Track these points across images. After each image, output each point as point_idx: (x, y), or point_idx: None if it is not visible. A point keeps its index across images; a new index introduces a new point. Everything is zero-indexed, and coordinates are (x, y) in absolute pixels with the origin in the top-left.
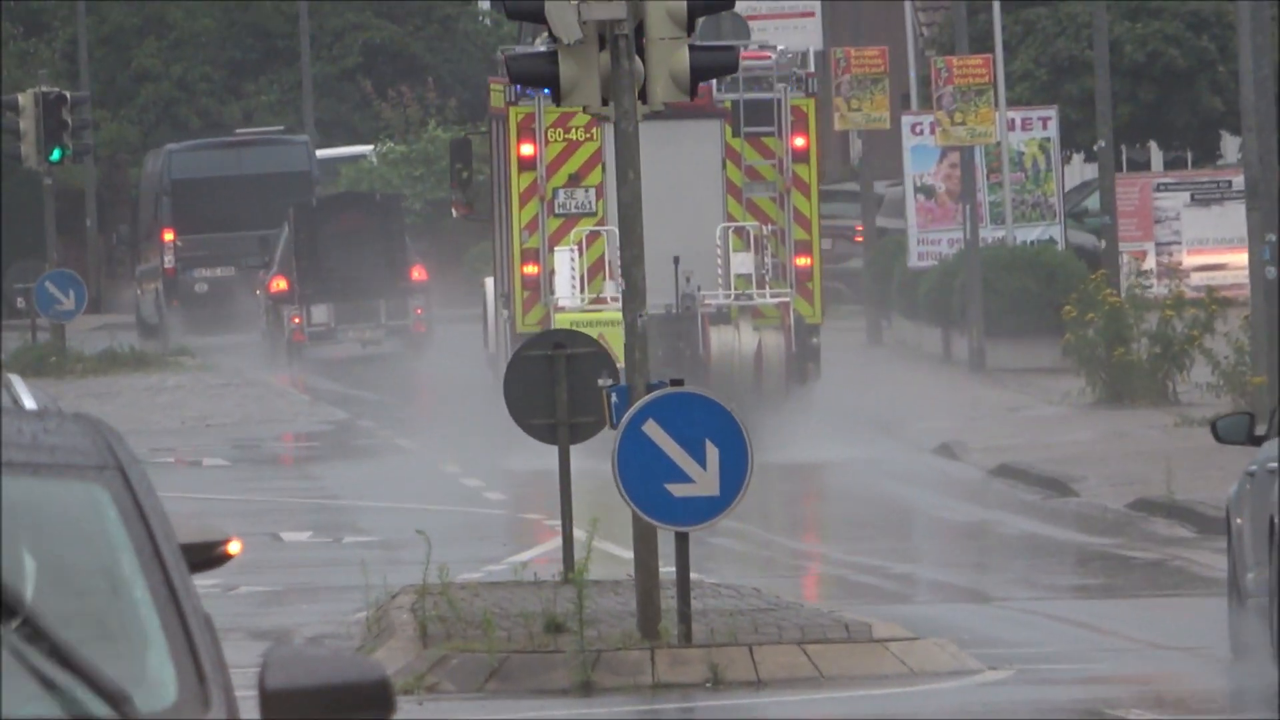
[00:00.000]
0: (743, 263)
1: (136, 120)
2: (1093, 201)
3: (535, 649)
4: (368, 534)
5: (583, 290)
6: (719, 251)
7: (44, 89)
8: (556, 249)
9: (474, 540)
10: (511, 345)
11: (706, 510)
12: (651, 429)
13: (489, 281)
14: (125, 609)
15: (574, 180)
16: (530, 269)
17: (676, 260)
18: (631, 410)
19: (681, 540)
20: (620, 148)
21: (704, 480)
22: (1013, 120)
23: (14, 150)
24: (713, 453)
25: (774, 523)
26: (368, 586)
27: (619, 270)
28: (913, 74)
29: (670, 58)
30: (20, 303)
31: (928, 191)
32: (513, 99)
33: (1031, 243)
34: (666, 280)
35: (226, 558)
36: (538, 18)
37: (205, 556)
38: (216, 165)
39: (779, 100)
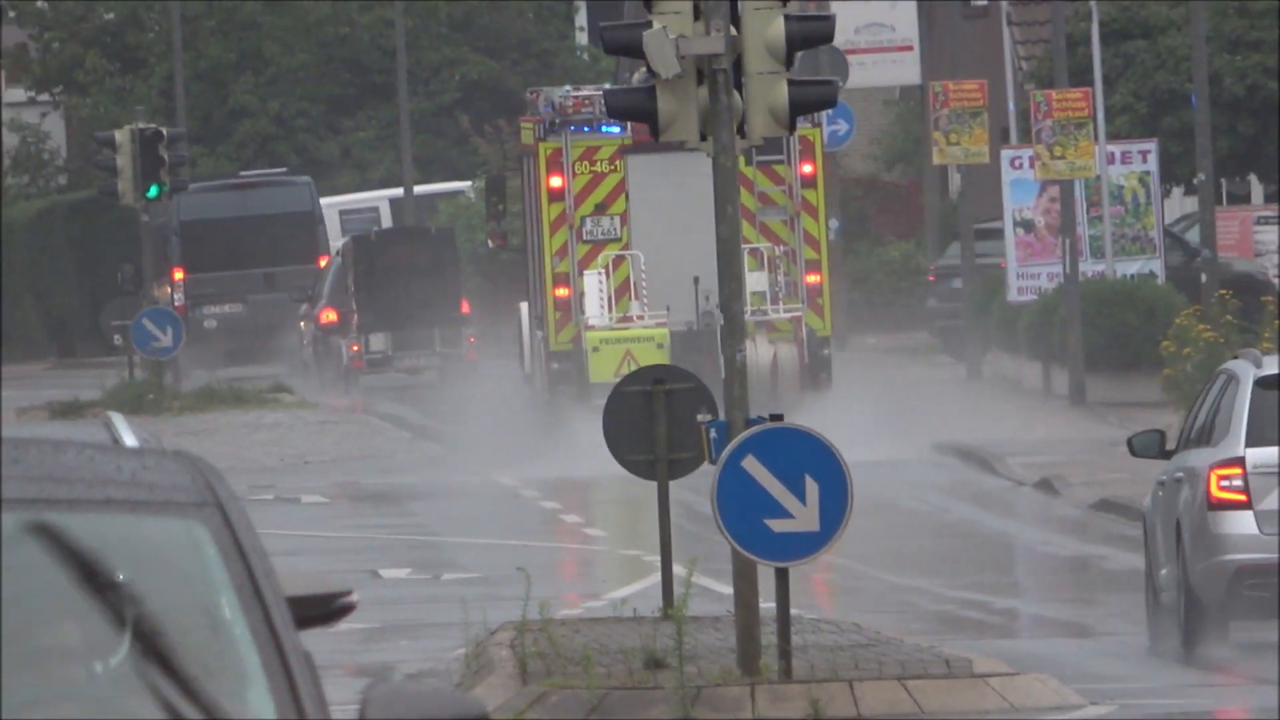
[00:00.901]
0: (757, 281)
1: (233, 157)
2: (1192, 234)
3: (635, 685)
4: (467, 570)
5: (611, 310)
6: None
7: (141, 125)
8: (586, 272)
9: (573, 576)
10: (546, 363)
11: (806, 545)
12: (751, 464)
13: (523, 306)
14: (225, 647)
15: (600, 209)
16: (561, 291)
17: (696, 280)
18: (731, 445)
19: (781, 576)
20: (719, 183)
21: (804, 515)
22: (1112, 154)
23: (110, 187)
24: (812, 488)
25: (874, 558)
26: (467, 623)
27: (644, 290)
28: (1012, 107)
29: (769, 92)
30: (117, 340)
31: (1027, 226)
32: (542, 135)
33: (1131, 276)
34: (687, 298)
35: (346, 611)
36: (636, 52)
37: (324, 610)
38: (223, 207)
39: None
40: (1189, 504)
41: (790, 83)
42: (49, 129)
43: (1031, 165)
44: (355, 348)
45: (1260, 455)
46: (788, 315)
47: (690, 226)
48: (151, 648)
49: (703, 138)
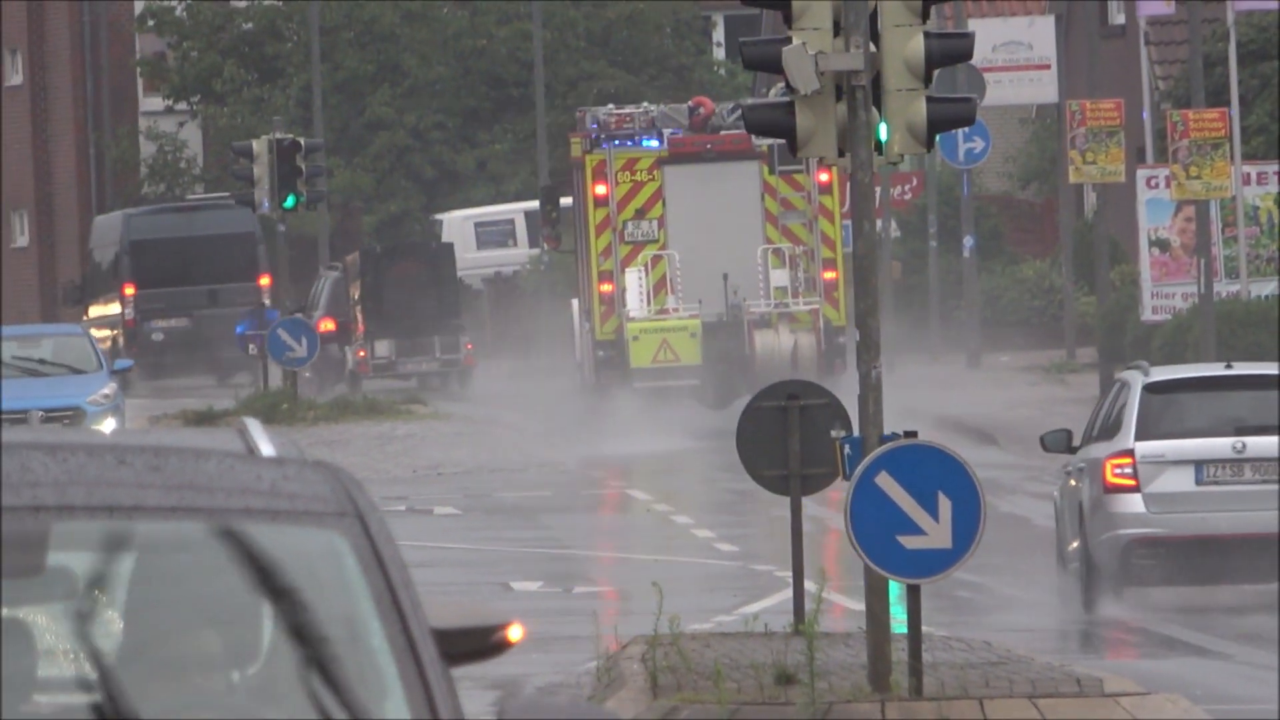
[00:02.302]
0: (780, 277)
1: (370, 168)
2: None
3: (766, 700)
4: (598, 584)
5: (649, 303)
6: (760, 268)
7: (278, 136)
8: (627, 270)
9: (704, 591)
10: (593, 351)
11: (939, 563)
12: (884, 481)
13: (574, 302)
14: (363, 657)
15: (639, 214)
16: (606, 287)
17: (725, 276)
18: (865, 462)
19: (913, 592)
20: (856, 199)
21: (936, 532)
22: (1248, 174)
23: (247, 197)
24: (945, 505)
25: (1003, 573)
26: (598, 636)
27: (679, 286)
28: (1148, 127)
29: (907, 109)
30: (252, 349)
31: (1162, 245)
32: (588, 148)
33: (1266, 297)
34: (717, 293)
35: (507, 645)
36: (774, 68)
37: (482, 644)
38: (170, 228)
39: None
40: (1090, 488)
41: (929, 100)
42: (186, 138)
43: (1167, 185)
44: (362, 354)
45: (1147, 448)
46: (807, 308)
47: (720, 229)
48: (291, 658)
49: (840, 154)
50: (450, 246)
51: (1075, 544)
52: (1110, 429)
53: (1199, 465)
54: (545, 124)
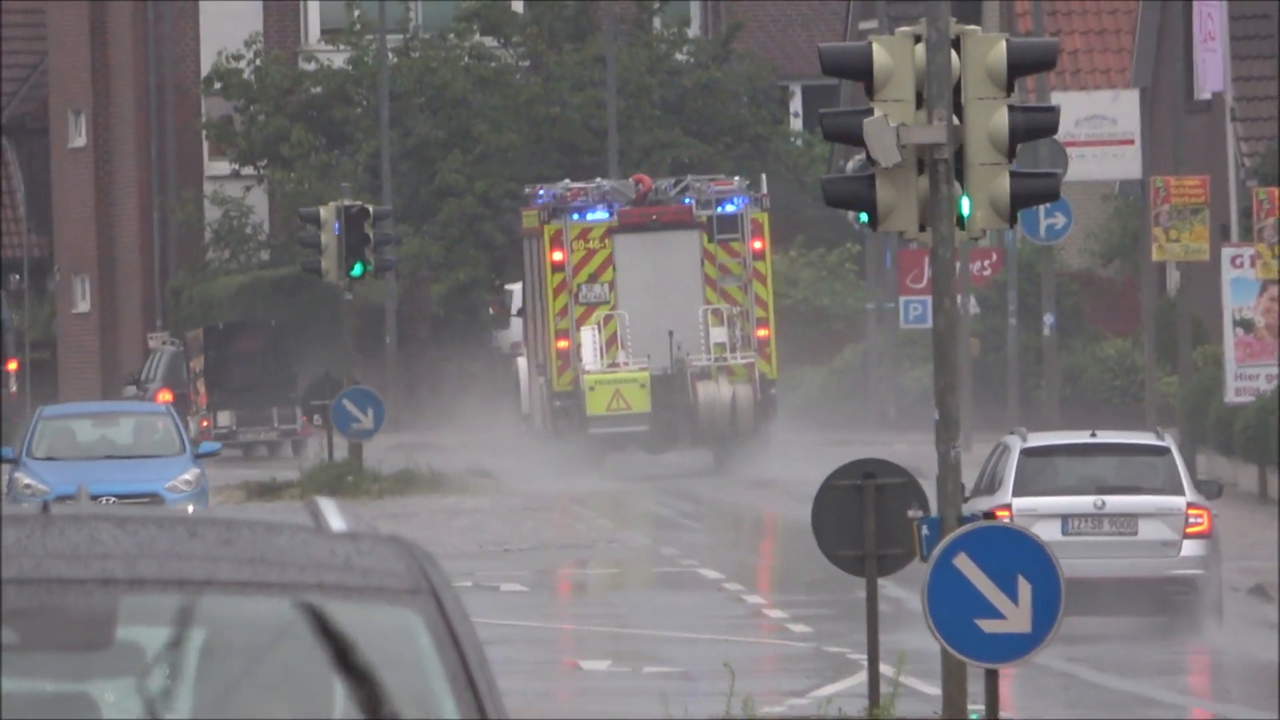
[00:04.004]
0: (719, 334)
1: (439, 236)
2: None
3: None
4: (668, 664)
5: (603, 358)
6: (701, 326)
7: (346, 202)
8: (582, 328)
9: (777, 673)
10: (549, 402)
11: (1017, 647)
12: (963, 563)
13: (520, 360)
14: None
15: (592, 278)
16: (562, 344)
17: (671, 334)
18: (943, 543)
19: (991, 677)
20: (937, 275)
21: (1015, 616)
22: None
23: (314, 264)
24: (1025, 588)
25: (1078, 653)
26: (668, 718)
27: (628, 342)
28: (1234, 205)
29: (990, 184)
30: (317, 420)
31: (1246, 325)
32: (545, 219)
33: None
34: (663, 348)
35: None
36: (855, 140)
37: None
38: None
39: (742, 215)
40: None
41: (1012, 175)
42: (252, 203)
43: (1252, 264)
44: (205, 423)
45: (1023, 503)
46: (743, 362)
47: (664, 291)
48: None
49: (921, 228)
50: (287, 327)
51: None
52: (991, 485)
53: (1065, 519)
54: None
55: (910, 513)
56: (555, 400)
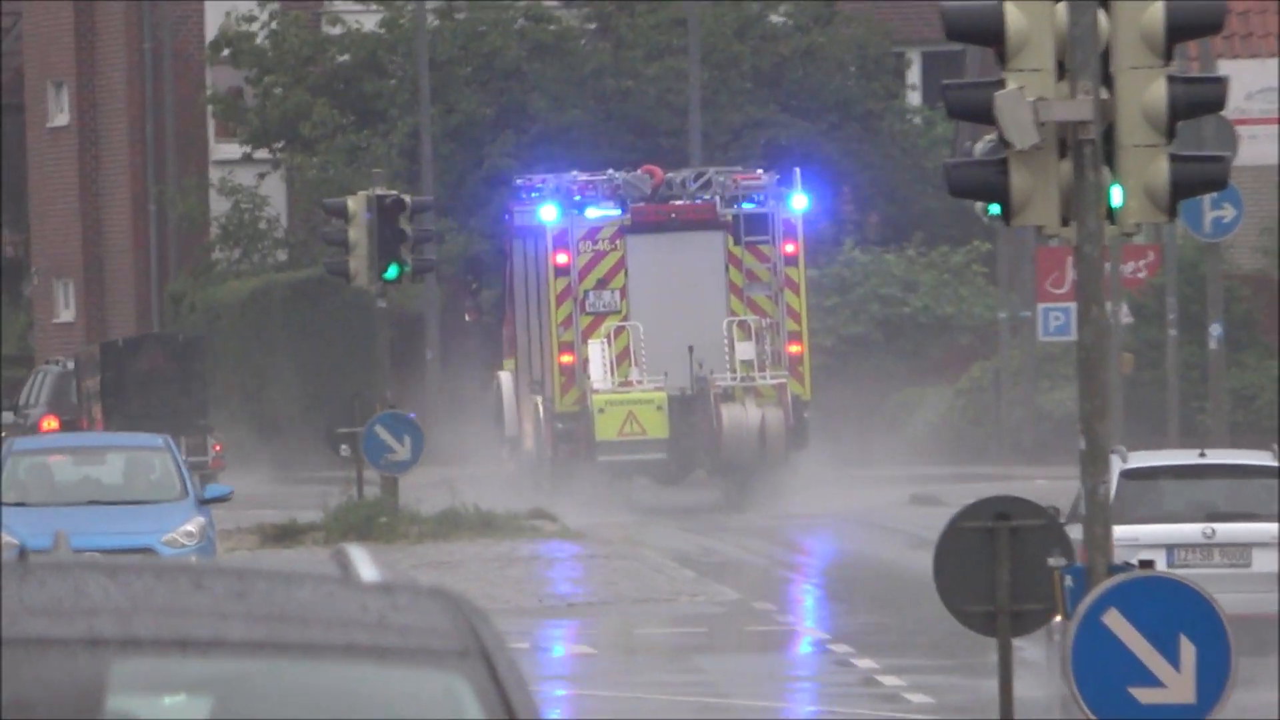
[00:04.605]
0: (745, 350)
1: (489, 232)
2: None
3: None
4: None
5: (613, 375)
6: (725, 341)
7: (378, 192)
8: (590, 340)
9: None
10: (550, 424)
11: None
12: (1114, 620)
13: (503, 375)
14: None
15: (601, 284)
16: (566, 358)
17: (690, 349)
18: (1090, 597)
19: None
20: (1082, 277)
21: (1176, 684)
22: None
23: (340, 266)
24: (1188, 650)
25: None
26: None
27: (642, 358)
28: None
29: (1146, 169)
30: (344, 450)
31: None
32: (548, 215)
33: None
34: (683, 365)
35: None
36: (984, 117)
37: None
38: None
39: (772, 214)
40: None
41: (1172, 158)
42: (267, 193)
43: None
44: None
45: (1122, 531)
46: (773, 382)
47: (684, 300)
48: None
49: (1064, 222)
50: (200, 339)
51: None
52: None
53: (1170, 549)
54: None
55: (1051, 560)
56: (557, 423)
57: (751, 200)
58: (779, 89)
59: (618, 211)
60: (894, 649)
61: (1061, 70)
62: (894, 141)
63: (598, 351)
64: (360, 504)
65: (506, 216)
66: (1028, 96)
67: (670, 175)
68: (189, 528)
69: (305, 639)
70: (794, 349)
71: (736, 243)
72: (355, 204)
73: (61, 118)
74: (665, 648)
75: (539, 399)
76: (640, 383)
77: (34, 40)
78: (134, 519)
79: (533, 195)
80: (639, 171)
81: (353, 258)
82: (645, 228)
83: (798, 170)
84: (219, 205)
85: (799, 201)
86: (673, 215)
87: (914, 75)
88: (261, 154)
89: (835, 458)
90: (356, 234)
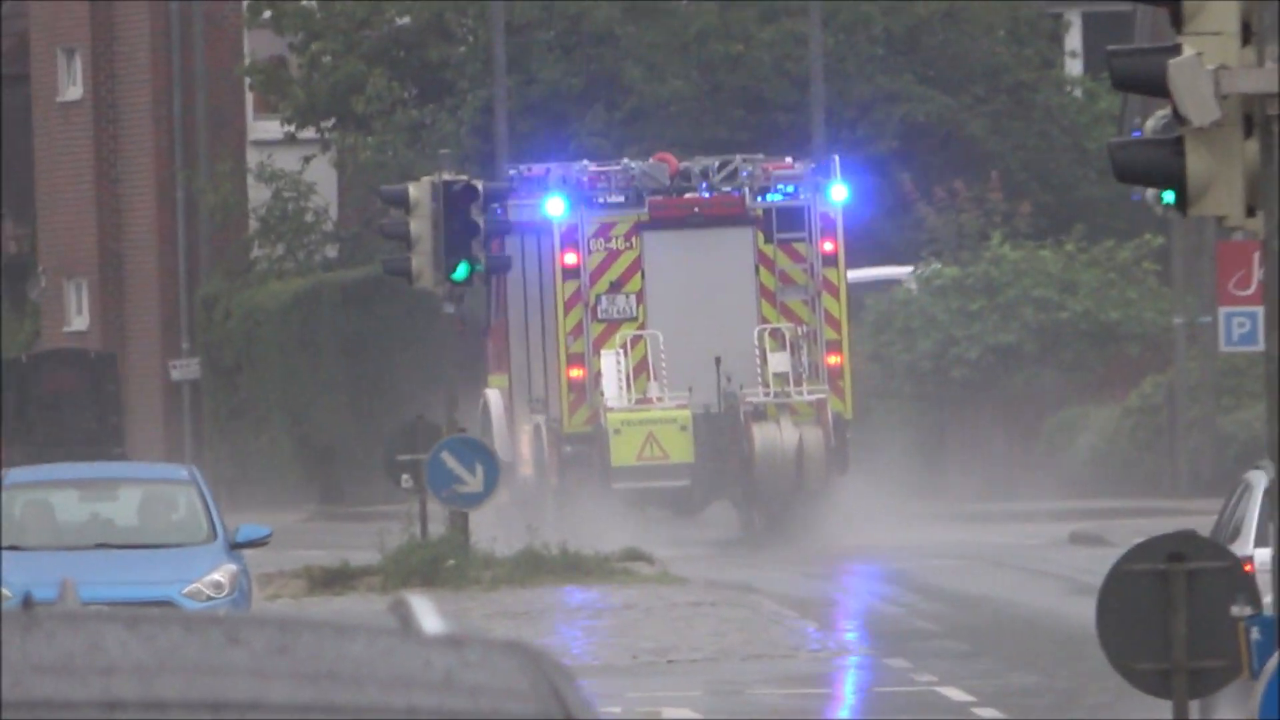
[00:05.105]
0: (779, 362)
1: None
2: None
3: None
4: None
5: (629, 391)
6: (756, 351)
7: (445, 178)
8: (603, 351)
9: None
10: (557, 447)
11: None
12: None
13: (491, 393)
14: None
15: (615, 287)
16: (575, 372)
17: (717, 361)
18: None
19: None
20: (1271, 277)
21: None
22: None
23: (400, 264)
24: None
25: None
26: None
27: (662, 371)
28: None
29: None
30: (406, 481)
31: None
32: (555, 209)
33: None
34: (708, 380)
35: None
36: (1155, 89)
37: None
38: None
39: (808, 207)
40: None
41: None
42: (315, 179)
43: None
44: None
45: (1268, 556)
46: (811, 397)
47: (708, 305)
48: None
49: (1249, 212)
50: (112, 356)
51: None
52: (1231, 534)
53: None
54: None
55: (1234, 609)
56: (565, 446)
57: (784, 192)
58: (915, 56)
59: (634, 206)
60: (1050, 713)
61: (1247, 34)
62: (1050, 118)
63: (611, 364)
64: (424, 544)
65: (498, 211)
66: (1207, 65)
67: (687, 164)
68: (217, 577)
69: (359, 701)
70: (833, 360)
71: (768, 240)
72: (418, 191)
73: (74, 91)
74: (781, 711)
75: (540, 420)
76: (660, 400)
77: (42, 1)
78: (151, 566)
79: (536, 187)
80: (652, 160)
81: (415, 255)
82: (665, 223)
83: (836, 158)
84: (258, 194)
85: (838, 193)
86: (696, 209)
87: (1073, 40)
88: (308, 133)
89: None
90: (419, 227)
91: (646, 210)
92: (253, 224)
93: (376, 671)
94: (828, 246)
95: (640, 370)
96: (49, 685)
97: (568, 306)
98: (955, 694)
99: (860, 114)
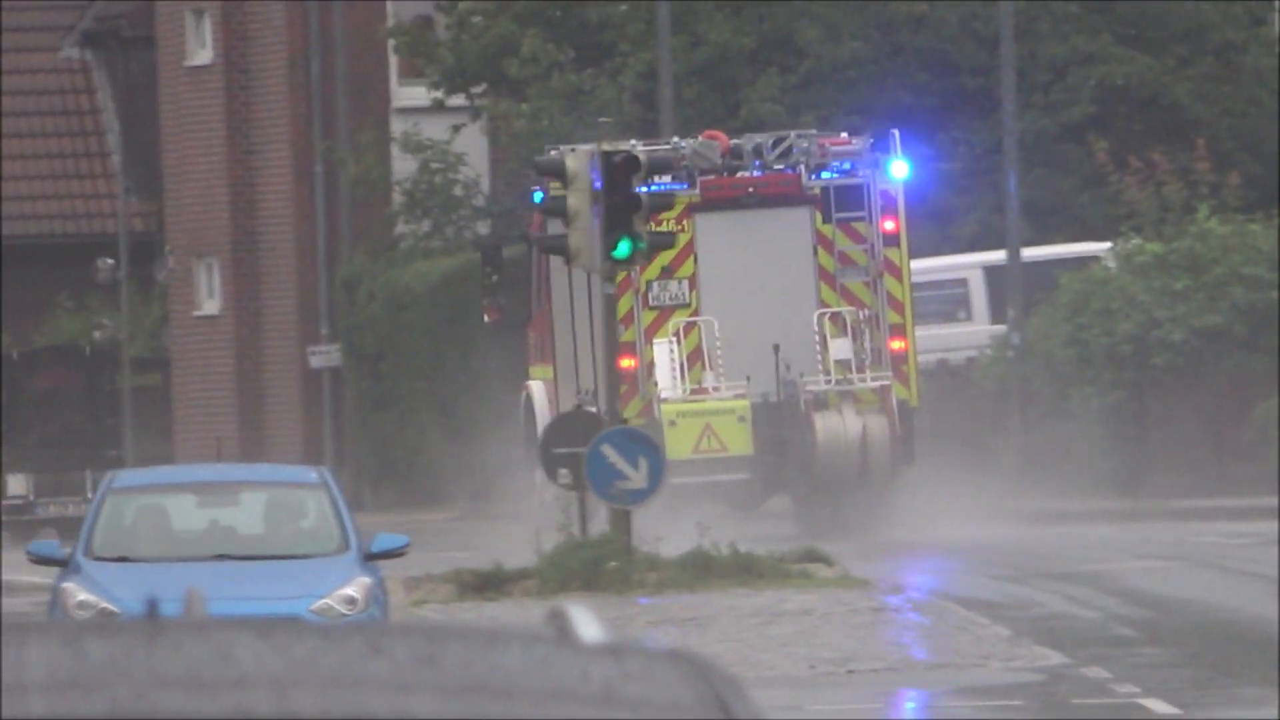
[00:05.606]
0: (841, 348)
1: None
2: None
3: None
4: None
5: (684, 380)
6: (816, 337)
7: (605, 147)
8: (655, 340)
9: None
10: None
11: None
12: None
13: (534, 386)
14: None
15: (667, 272)
16: (627, 362)
17: (776, 348)
18: None
19: None
20: None
21: None
22: None
23: (557, 242)
24: None
25: None
26: None
27: (718, 359)
28: None
29: None
30: (564, 476)
31: None
32: None
33: None
34: (766, 367)
35: None
36: None
37: None
38: None
39: (868, 185)
40: None
41: None
42: (465, 150)
43: None
44: None
45: None
46: (874, 384)
47: (764, 290)
48: None
49: None
50: (109, 354)
51: None
52: None
53: None
54: (1017, 133)
55: None
56: None
57: (841, 169)
58: (1112, 15)
59: (684, 186)
60: None
61: None
62: (1260, 81)
63: (665, 353)
64: (583, 544)
65: (539, 193)
66: None
67: (738, 142)
68: (349, 591)
69: (510, 715)
70: (897, 345)
71: (826, 220)
72: (576, 162)
73: (203, 55)
74: None
75: (591, 412)
76: (717, 389)
77: None
78: (276, 579)
79: None
80: (702, 138)
81: (573, 231)
82: (717, 204)
83: (896, 132)
84: (403, 166)
85: (899, 169)
86: (750, 189)
87: None
88: (457, 100)
89: (1181, 485)
90: (577, 201)
91: (698, 191)
92: (397, 198)
93: (530, 684)
94: (889, 225)
95: (695, 359)
96: (176, 699)
97: (617, 293)
98: (1160, 706)
99: (1053, 77)
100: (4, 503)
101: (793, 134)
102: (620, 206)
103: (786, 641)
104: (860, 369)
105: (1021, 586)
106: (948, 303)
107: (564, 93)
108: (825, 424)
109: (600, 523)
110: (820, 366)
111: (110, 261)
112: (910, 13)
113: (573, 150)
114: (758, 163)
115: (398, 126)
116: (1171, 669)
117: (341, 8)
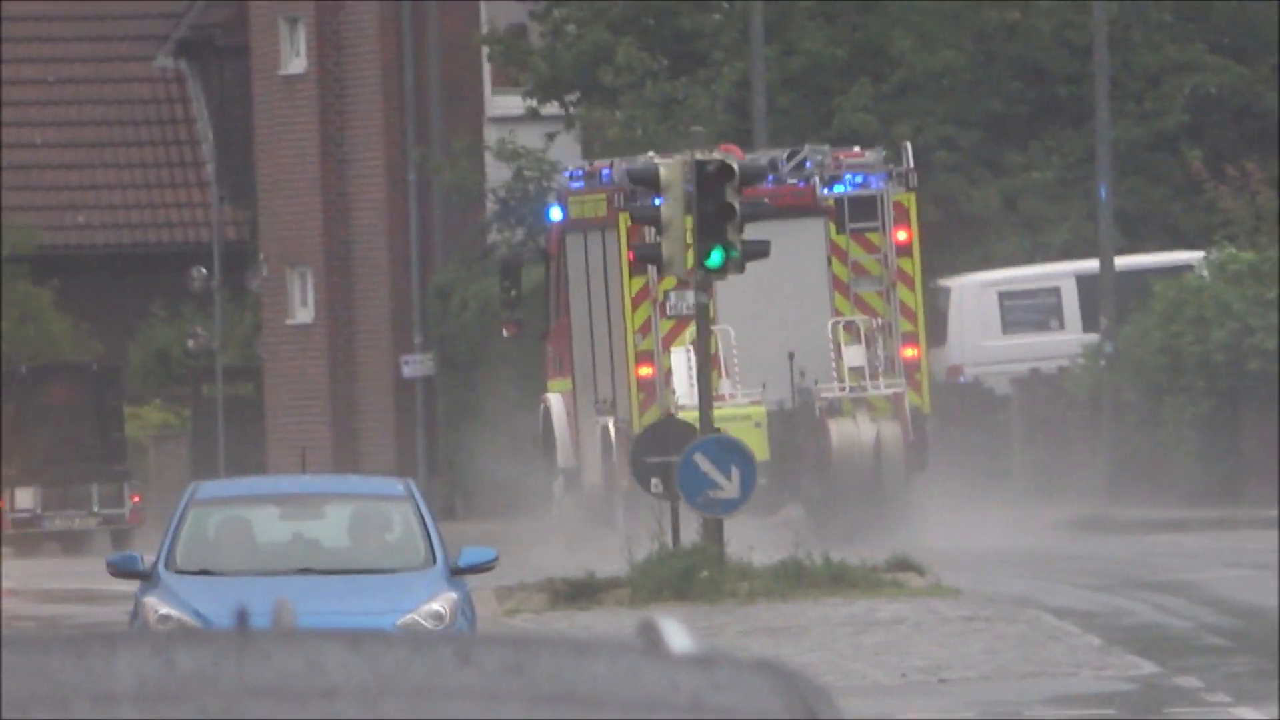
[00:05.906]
0: (854, 356)
1: None
2: None
3: None
4: None
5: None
6: (830, 345)
7: (699, 156)
8: (672, 349)
9: None
10: (625, 449)
11: None
12: None
13: (553, 398)
14: None
15: (684, 283)
16: (645, 371)
17: (791, 356)
18: None
19: None
20: None
21: None
22: None
23: (650, 250)
24: None
25: None
26: None
27: (734, 367)
28: None
29: None
30: (655, 485)
31: None
32: (620, 204)
33: None
34: (781, 375)
35: None
36: None
37: None
38: None
39: (881, 196)
40: None
41: None
42: (558, 157)
43: None
44: (0, 504)
45: None
46: (888, 391)
47: (779, 299)
48: None
49: None
50: (116, 370)
51: None
52: None
53: None
54: (1110, 141)
55: None
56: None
57: (854, 182)
58: (1207, 23)
59: None
60: None
61: None
62: None
63: (682, 361)
64: (675, 553)
65: (559, 208)
66: None
67: (754, 156)
68: (436, 606)
69: None
70: (910, 353)
71: (840, 231)
72: (669, 172)
73: (297, 63)
74: None
75: (608, 421)
76: (733, 396)
77: None
78: (361, 594)
79: (600, 181)
80: (718, 151)
81: (665, 240)
82: None
83: (908, 144)
84: (497, 173)
85: (911, 180)
86: (765, 200)
87: None
88: (551, 108)
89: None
90: (670, 210)
91: None
92: (491, 206)
93: (618, 693)
94: (901, 236)
95: (712, 367)
96: (265, 709)
97: (635, 303)
98: (1251, 715)
99: (1147, 86)
100: (11, 516)
101: (807, 147)
102: (713, 216)
103: (878, 650)
104: (874, 376)
105: (1113, 596)
106: (1040, 311)
107: (657, 101)
108: (840, 430)
109: (690, 532)
110: (834, 374)
111: (204, 270)
112: (1003, 21)
113: (656, 159)
114: (772, 176)
115: (492, 135)
116: (1264, 679)
117: (436, 16)
